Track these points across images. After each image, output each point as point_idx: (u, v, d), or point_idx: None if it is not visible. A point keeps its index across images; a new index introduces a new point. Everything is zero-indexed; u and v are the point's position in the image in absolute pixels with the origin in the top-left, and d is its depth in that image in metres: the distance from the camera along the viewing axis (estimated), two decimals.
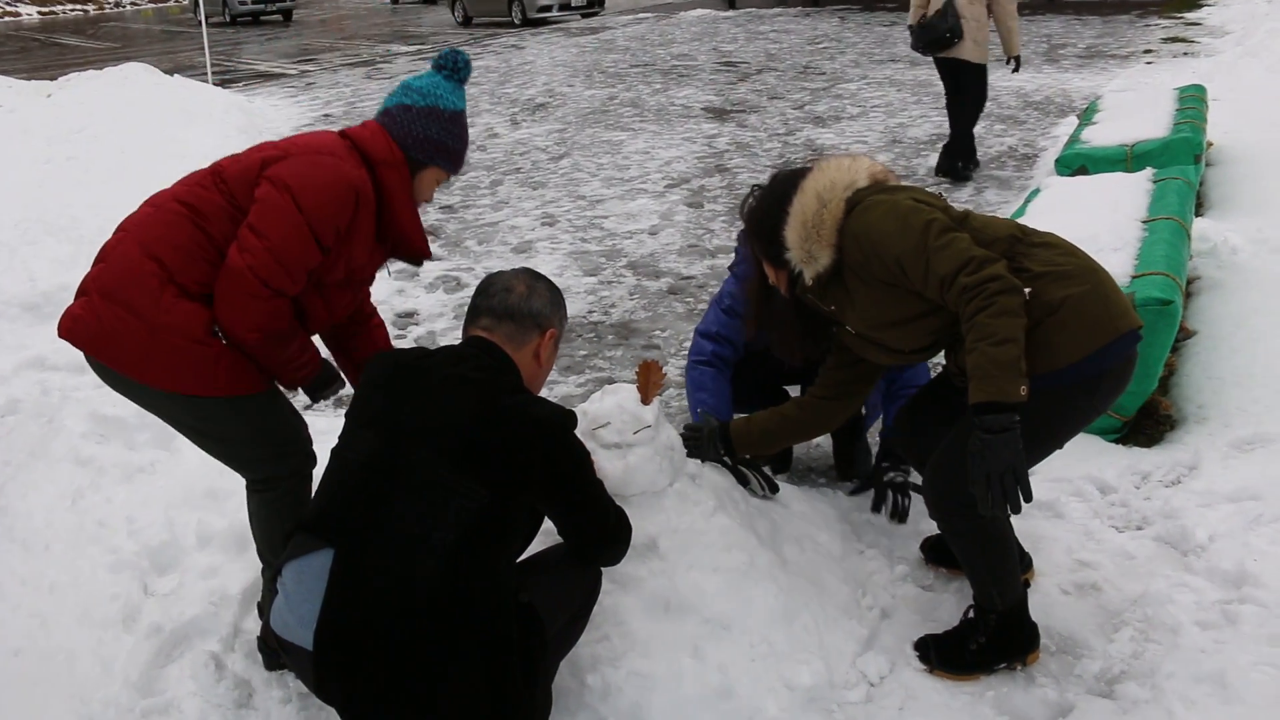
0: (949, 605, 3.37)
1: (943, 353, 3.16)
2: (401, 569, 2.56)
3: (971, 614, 3.14)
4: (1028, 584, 3.28)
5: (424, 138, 3.08)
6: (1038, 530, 3.67)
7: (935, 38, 8.21)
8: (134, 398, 3.04)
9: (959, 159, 8.75)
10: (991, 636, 3.07)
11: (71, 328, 2.92)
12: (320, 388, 3.18)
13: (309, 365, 3.09)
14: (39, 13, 43.54)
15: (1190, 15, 17.05)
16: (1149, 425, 4.34)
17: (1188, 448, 4.13)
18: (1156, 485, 3.95)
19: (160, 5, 45.71)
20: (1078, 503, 3.88)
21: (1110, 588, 3.41)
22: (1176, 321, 4.22)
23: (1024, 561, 3.38)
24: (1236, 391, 4.37)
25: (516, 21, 25.37)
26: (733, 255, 4.00)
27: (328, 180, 2.89)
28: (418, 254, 3.21)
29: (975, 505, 2.75)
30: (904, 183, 3.18)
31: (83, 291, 2.97)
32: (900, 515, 3.80)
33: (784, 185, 3.08)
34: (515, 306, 2.89)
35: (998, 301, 2.67)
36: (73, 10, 44.69)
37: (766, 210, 3.11)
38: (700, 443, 3.60)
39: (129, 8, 45.57)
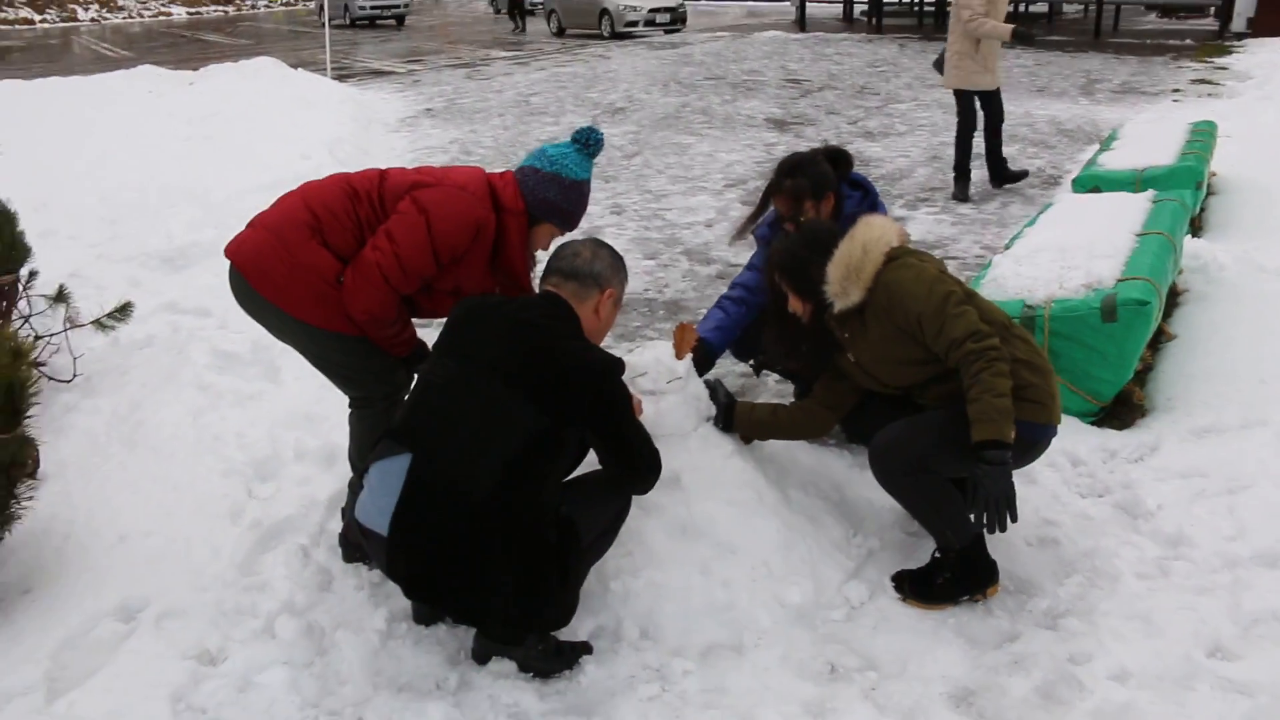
0: (928, 548, 3.51)
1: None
2: (465, 476, 2.80)
3: (937, 555, 3.35)
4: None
5: (543, 198, 3.36)
6: None
7: (938, 67, 8.76)
8: (265, 320, 3.33)
9: (991, 173, 8.95)
10: (955, 572, 3.29)
11: (237, 249, 3.25)
12: (413, 362, 3.44)
13: (406, 345, 3.39)
14: (187, 12, 44.72)
15: (1220, 60, 16.79)
16: (1123, 411, 4.47)
17: (1153, 432, 4.26)
18: (1121, 462, 4.10)
19: (290, 7, 46.57)
20: (1051, 472, 4.02)
21: (1068, 542, 3.58)
22: (1150, 320, 4.34)
23: None
24: (1203, 387, 4.49)
25: (605, 34, 25.56)
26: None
27: (458, 213, 3.21)
28: (520, 290, 3.46)
29: (915, 466, 3.19)
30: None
31: (251, 224, 3.32)
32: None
33: (826, 235, 3.39)
34: (580, 268, 3.11)
35: (996, 365, 3.05)
36: (215, 11, 45.77)
37: (805, 255, 3.39)
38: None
39: (262, 9, 46.52)
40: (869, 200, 4.10)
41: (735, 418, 3.74)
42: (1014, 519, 3.03)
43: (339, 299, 3.20)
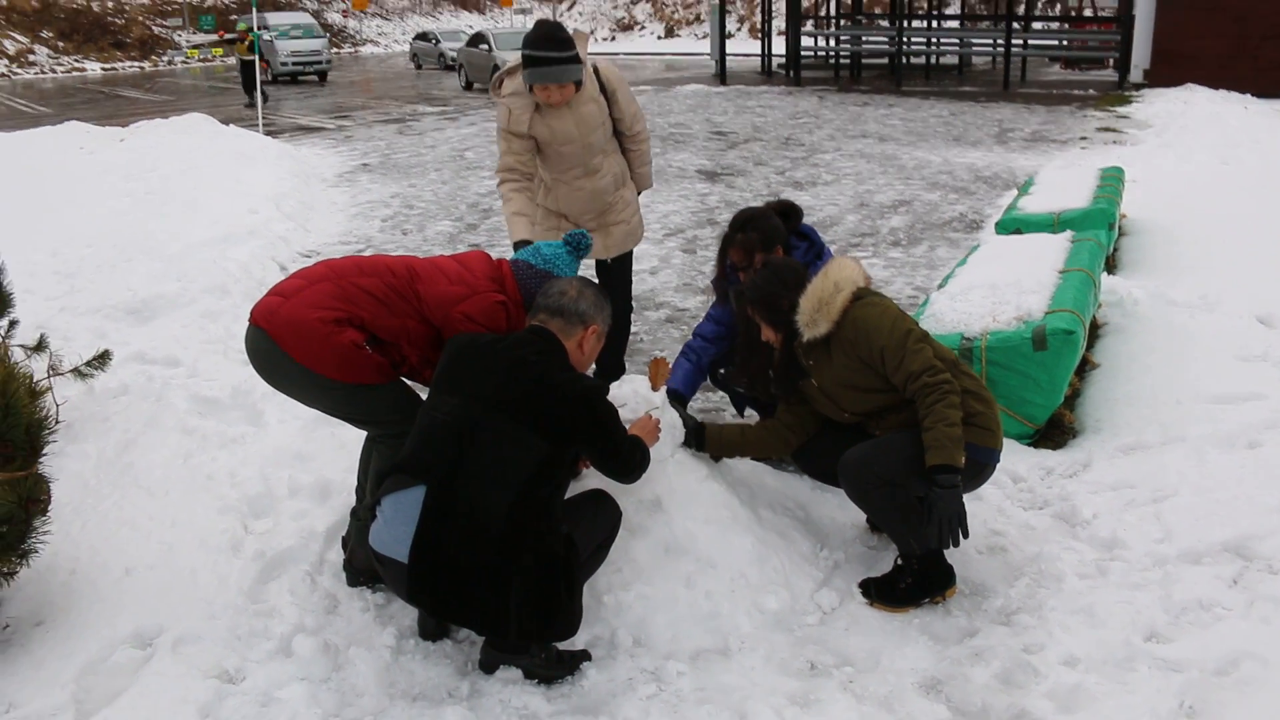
0: (888, 560, 3.87)
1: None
2: (484, 501, 3.07)
3: (900, 562, 3.70)
4: None
5: (535, 293, 3.63)
6: None
7: None
8: (287, 382, 3.56)
9: None
10: (916, 577, 3.63)
11: (270, 318, 3.47)
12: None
13: None
14: (102, 68, 44.40)
15: (1121, 110, 17.73)
16: (1055, 433, 4.90)
17: (1084, 450, 4.69)
18: (1057, 478, 4.51)
19: (207, 63, 46.41)
20: (994, 489, 4.39)
21: (1014, 549, 3.96)
22: (1077, 348, 4.78)
23: None
24: (1126, 410, 4.94)
25: None
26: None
27: (499, 321, 3.56)
28: None
29: (885, 480, 3.52)
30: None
31: (280, 293, 3.55)
32: None
33: (793, 272, 3.78)
34: (566, 305, 3.42)
35: (949, 398, 3.45)
36: (131, 67, 45.50)
37: (776, 289, 3.76)
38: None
39: (179, 65, 46.28)
40: (814, 249, 4.47)
41: (706, 438, 4.06)
42: (965, 535, 3.43)
43: (366, 357, 3.46)
